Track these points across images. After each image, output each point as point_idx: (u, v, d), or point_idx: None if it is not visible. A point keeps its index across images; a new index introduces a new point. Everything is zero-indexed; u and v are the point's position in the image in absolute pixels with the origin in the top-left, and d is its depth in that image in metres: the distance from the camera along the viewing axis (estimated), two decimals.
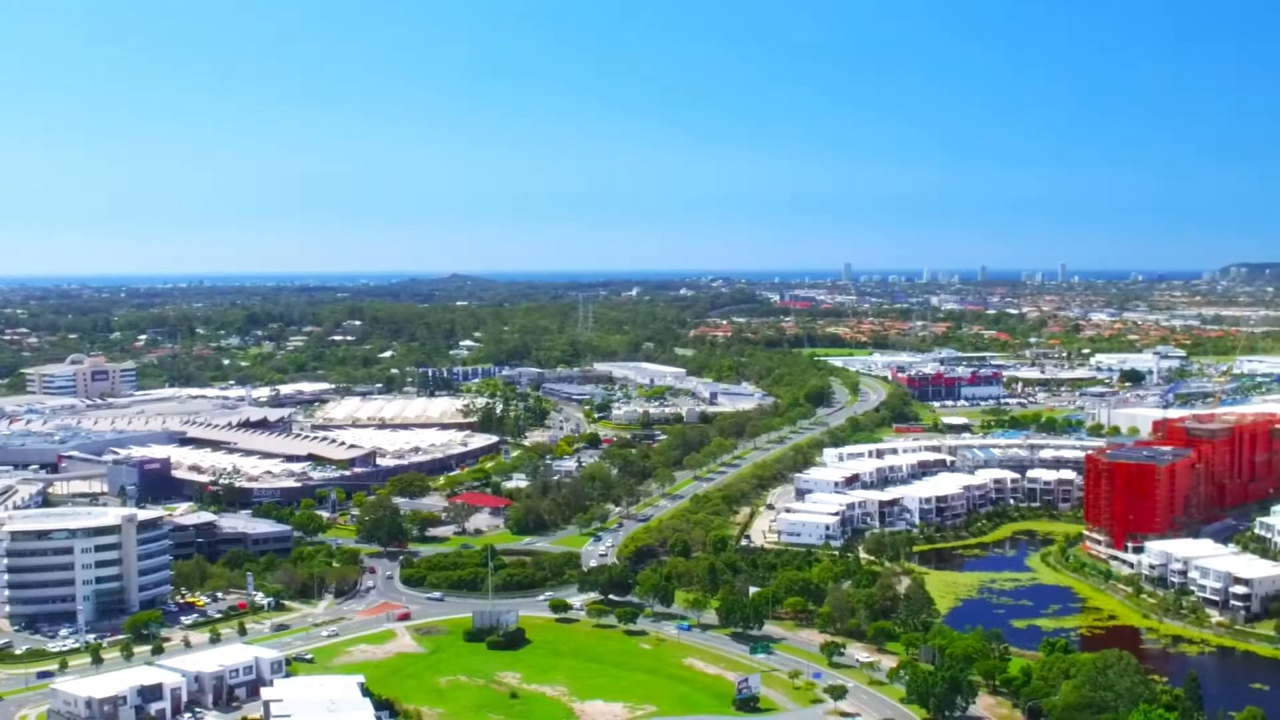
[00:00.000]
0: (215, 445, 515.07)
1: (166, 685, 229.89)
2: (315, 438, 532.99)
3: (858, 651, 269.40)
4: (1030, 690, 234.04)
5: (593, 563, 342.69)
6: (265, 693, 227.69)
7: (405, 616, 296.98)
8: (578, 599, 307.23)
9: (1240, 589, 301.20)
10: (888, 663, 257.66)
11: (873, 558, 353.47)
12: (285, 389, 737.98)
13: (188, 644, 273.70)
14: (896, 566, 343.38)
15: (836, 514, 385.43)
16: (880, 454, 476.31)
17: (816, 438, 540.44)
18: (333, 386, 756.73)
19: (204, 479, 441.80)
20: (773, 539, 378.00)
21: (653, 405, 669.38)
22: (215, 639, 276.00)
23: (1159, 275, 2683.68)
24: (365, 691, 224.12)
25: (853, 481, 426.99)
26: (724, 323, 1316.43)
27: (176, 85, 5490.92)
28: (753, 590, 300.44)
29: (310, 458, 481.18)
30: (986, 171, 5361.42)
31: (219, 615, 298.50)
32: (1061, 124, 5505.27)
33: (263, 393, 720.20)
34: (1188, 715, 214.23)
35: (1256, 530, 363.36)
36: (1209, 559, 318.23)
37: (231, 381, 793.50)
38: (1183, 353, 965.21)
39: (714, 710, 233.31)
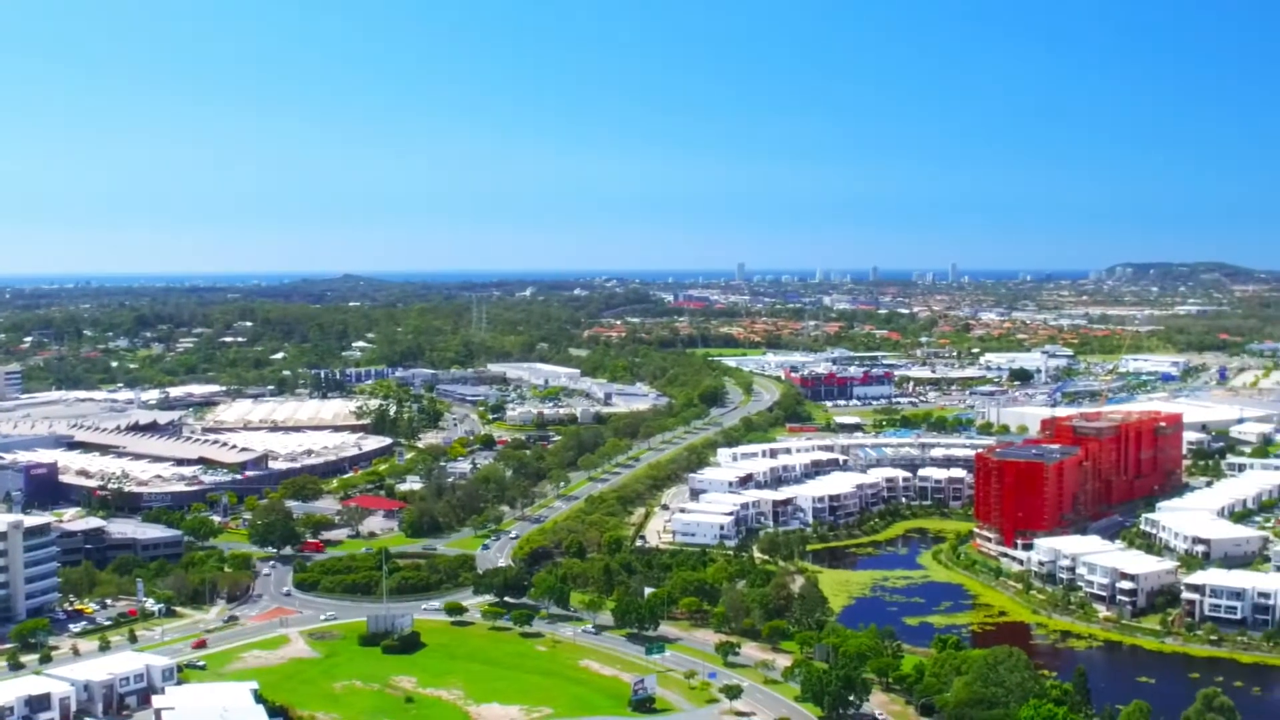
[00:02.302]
0: (104, 449, 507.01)
1: (55, 695, 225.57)
2: (206, 441, 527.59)
3: (753, 651, 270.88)
4: (923, 687, 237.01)
5: (488, 565, 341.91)
6: (157, 701, 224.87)
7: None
8: (473, 602, 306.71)
9: (1126, 584, 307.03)
10: (782, 662, 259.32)
11: (767, 557, 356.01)
12: (175, 391, 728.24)
13: (76, 652, 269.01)
14: (790, 566, 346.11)
15: (731, 514, 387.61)
16: (774, 454, 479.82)
17: (711, 438, 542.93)
18: (224, 389, 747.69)
19: (92, 483, 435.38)
20: (668, 539, 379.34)
21: (547, 406, 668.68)
22: (105, 647, 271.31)
23: (1047, 275, 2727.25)
24: (258, 698, 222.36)
25: (747, 481, 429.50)
26: (618, 323, 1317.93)
27: (54, 79, 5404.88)
28: (648, 591, 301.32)
29: (201, 461, 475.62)
30: (878, 172, 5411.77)
31: (109, 622, 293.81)
32: (951, 126, 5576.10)
33: (152, 395, 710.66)
34: (1076, 709, 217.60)
35: (1142, 526, 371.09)
36: (1096, 555, 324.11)
37: (120, 384, 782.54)
38: (1070, 352, 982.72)
39: (610, 711, 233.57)
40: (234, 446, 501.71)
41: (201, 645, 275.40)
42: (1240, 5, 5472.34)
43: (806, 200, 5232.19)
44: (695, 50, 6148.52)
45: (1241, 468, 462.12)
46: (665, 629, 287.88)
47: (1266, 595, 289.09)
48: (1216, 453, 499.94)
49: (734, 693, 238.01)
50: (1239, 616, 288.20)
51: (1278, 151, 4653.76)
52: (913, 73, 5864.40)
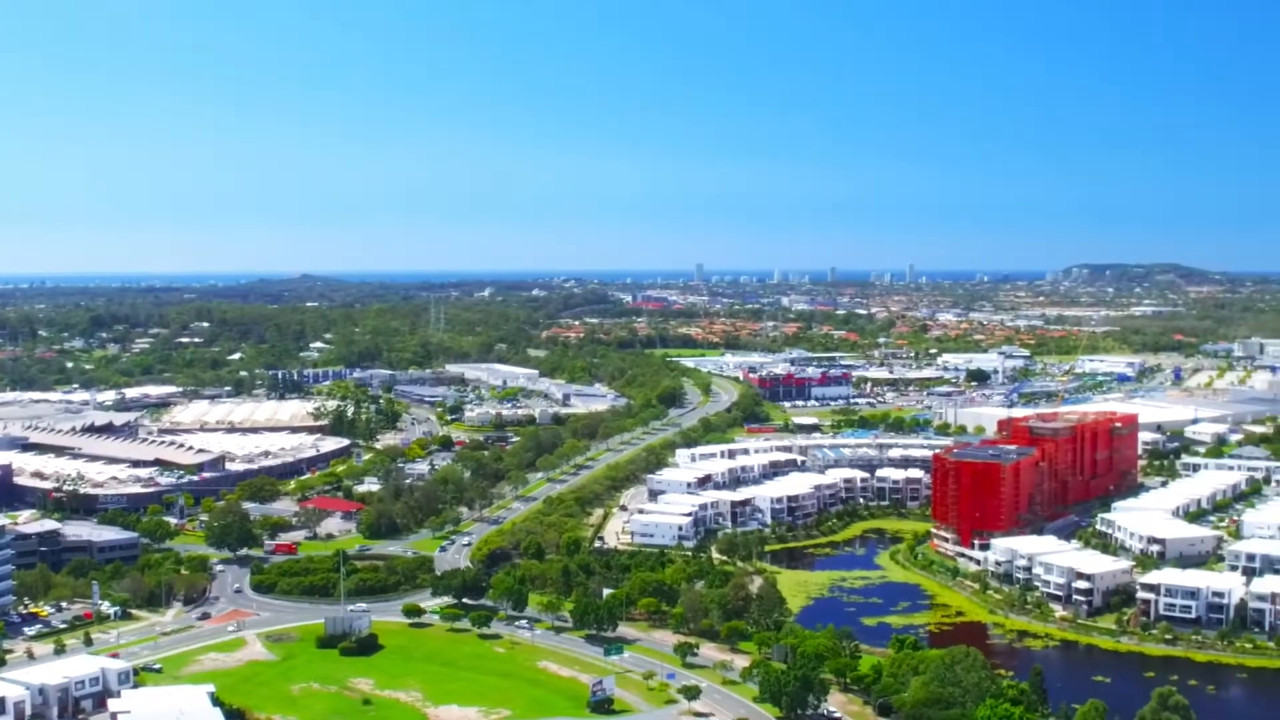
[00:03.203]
0: (59, 451, 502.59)
1: (9, 699, 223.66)
2: (162, 442, 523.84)
3: (711, 651, 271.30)
4: (881, 687, 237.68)
5: (446, 567, 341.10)
6: (113, 704, 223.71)
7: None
8: (431, 603, 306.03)
9: (1083, 584, 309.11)
10: (741, 662, 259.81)
11: (725, 558, 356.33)
12: (131, 392, 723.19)
13: (31, 655, 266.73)
14: (749, 566, 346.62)
15: (689, 515, 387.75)
16: (732, 454, 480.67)
17: (669, 438, 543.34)
18: (180, 390, 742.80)
19: (47, 485, 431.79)
20: (626, 540, 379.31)
21: (505, 407, 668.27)
22: (60, 650, 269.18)
23: (1004, 276, 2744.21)
24: (215, 701, 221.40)
25: (705, 482, 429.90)
26: (576, 323, 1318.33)
27: (5, 75, 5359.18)
28: (606, 592, 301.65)
29: (157, 463, 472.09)
30: (837, 172, 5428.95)
31: (64, 626, 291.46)
32: (909, 127, 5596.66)
33: (108, 396, 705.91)
34: (1033, 709, 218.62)
35: (1098, 526, 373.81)
36: (1053, 555, 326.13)
37: (75, 385, 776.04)
38: (1027, 352, 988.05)
39: (569, 713, 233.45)
40: (190, 448, 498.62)
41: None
42: (1195, 7, 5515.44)
43: (765, 201, 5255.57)
44: (653, 50, 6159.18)
45: (1196, 468, 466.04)
46: (624, 630, 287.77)
47: (1220, 594, 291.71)
48: (1171, 453, 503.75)
49: (692, 693, 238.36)
50: (1194, 615, 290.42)
51: (1232, 154, 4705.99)
52: (872, 74, 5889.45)
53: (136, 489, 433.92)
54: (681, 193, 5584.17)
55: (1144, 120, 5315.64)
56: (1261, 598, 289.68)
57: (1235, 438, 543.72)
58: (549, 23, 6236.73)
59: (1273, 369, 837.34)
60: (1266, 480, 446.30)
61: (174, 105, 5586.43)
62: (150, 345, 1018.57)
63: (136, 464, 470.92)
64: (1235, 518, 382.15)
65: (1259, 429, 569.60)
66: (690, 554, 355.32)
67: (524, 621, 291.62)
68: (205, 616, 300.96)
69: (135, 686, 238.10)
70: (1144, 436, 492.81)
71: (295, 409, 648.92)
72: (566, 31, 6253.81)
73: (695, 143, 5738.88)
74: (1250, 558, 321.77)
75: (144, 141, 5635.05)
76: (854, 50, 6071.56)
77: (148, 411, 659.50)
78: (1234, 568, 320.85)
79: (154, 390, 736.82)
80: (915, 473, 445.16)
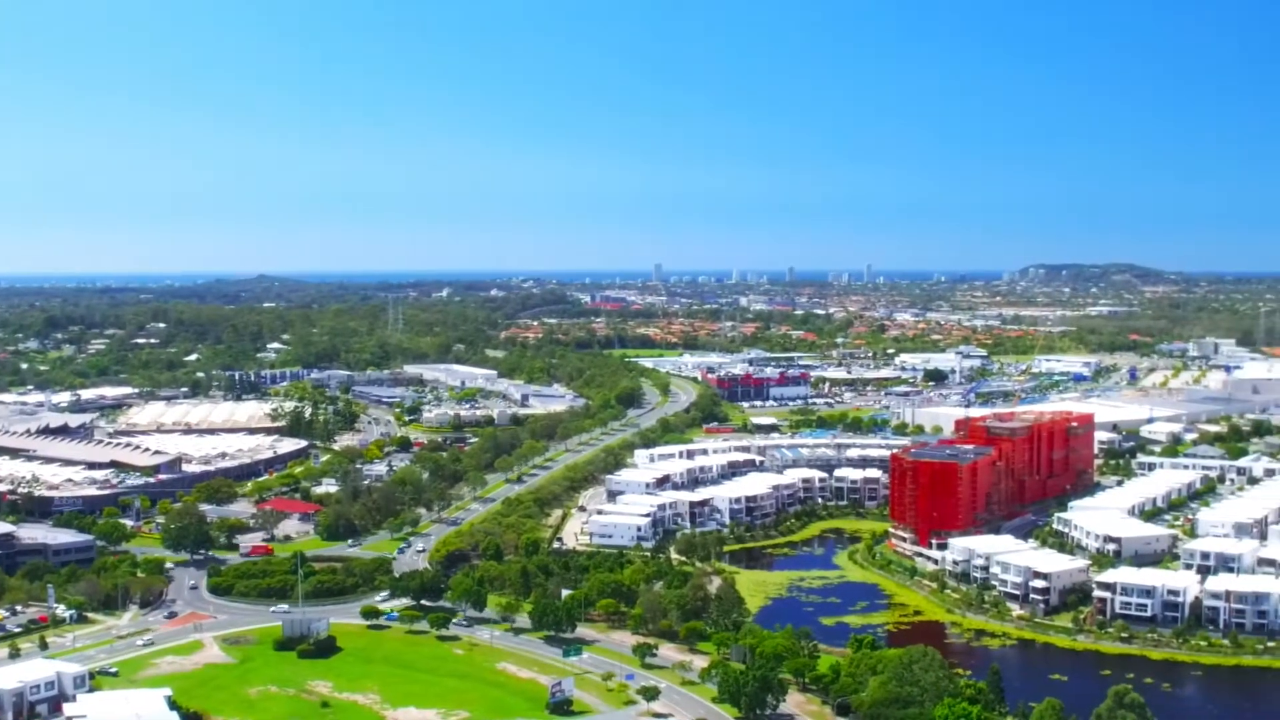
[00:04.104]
0: (13, 453, 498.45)
1: None
2: (118, 444, 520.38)
3: (670, 652, 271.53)
4: (839, 687, 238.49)
5: (405, 568, 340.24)
6: (68, 708, 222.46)
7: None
8: (390, 605, 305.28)
9: (1040, 583, 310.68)
10: (700, 663, 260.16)
11: (684, 558, 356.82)
12: (87, 394, 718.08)
13: None
14: (707, 567, 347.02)
15: (648, 515, 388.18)
16: (690, 455, 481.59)
17: (628, 439, 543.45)
18: (136, 391, 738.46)
19: (1, 488, 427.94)
20: (585, 541, 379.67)
21: (464, 408, 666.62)
22: (15, 654, 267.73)
23: (961, 276, 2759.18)
24: (173, 704, 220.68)
25: (663, 482, 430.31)
26: (535, 324, 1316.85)
27: None
28: (565, 593, 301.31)
29: (113, 465, 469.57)
30: (794, 173, 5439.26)
31: (18, 629, 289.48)
32: (866, 128, 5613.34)
33: (63, 398, 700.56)
34: (990, 708, 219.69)
35: (1055, 525, 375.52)
36: (1010, 554, 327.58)
37: (30, 386, 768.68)
38: (984, 352, 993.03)
39: (528, 714, 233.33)
40: (147, 450, 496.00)
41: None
42: (1155, 7, 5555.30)
43: (723, 201, 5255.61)
44: (611, 50, 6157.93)
45: (1151, 467, 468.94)
46: (583, 631, 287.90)
47: (1175, 593, 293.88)
48: (1127, 452, 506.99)
49: (651, 694, 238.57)
50: (1149, 614, 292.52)
51: (1187, 155, 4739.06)
52: (828, 75, 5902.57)
53: (92, 491, 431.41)
54: (640, 193, 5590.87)
55: (1101, 121, 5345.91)
56: (1216, 596, 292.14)
57: (1190, 437, 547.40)
58: (507, 22, 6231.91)
59: (1227, 369, 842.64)
60: (1221, 479, 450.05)
61: (129, 105, 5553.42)
62: (106, 346, 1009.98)
63: (92, 466, 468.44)
64: (1190, 516, 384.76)
65: (1213, 428, 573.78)
66: (649, 554, 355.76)
67: (461, 619, 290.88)
68: (173, 615, 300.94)
69: (91, 690, 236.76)
70: (1100, 436, 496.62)
71: (252, 410, 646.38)
72: (524, 31, 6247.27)
73: (654, 143, 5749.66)
74: (1205, 556, 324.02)
75: (99, 141, 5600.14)
76: (812, 52, 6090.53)
77: (103, 413, 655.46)
78: (1189, 566, 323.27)
79: (110, 391, 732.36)
80: (873, 473, 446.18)
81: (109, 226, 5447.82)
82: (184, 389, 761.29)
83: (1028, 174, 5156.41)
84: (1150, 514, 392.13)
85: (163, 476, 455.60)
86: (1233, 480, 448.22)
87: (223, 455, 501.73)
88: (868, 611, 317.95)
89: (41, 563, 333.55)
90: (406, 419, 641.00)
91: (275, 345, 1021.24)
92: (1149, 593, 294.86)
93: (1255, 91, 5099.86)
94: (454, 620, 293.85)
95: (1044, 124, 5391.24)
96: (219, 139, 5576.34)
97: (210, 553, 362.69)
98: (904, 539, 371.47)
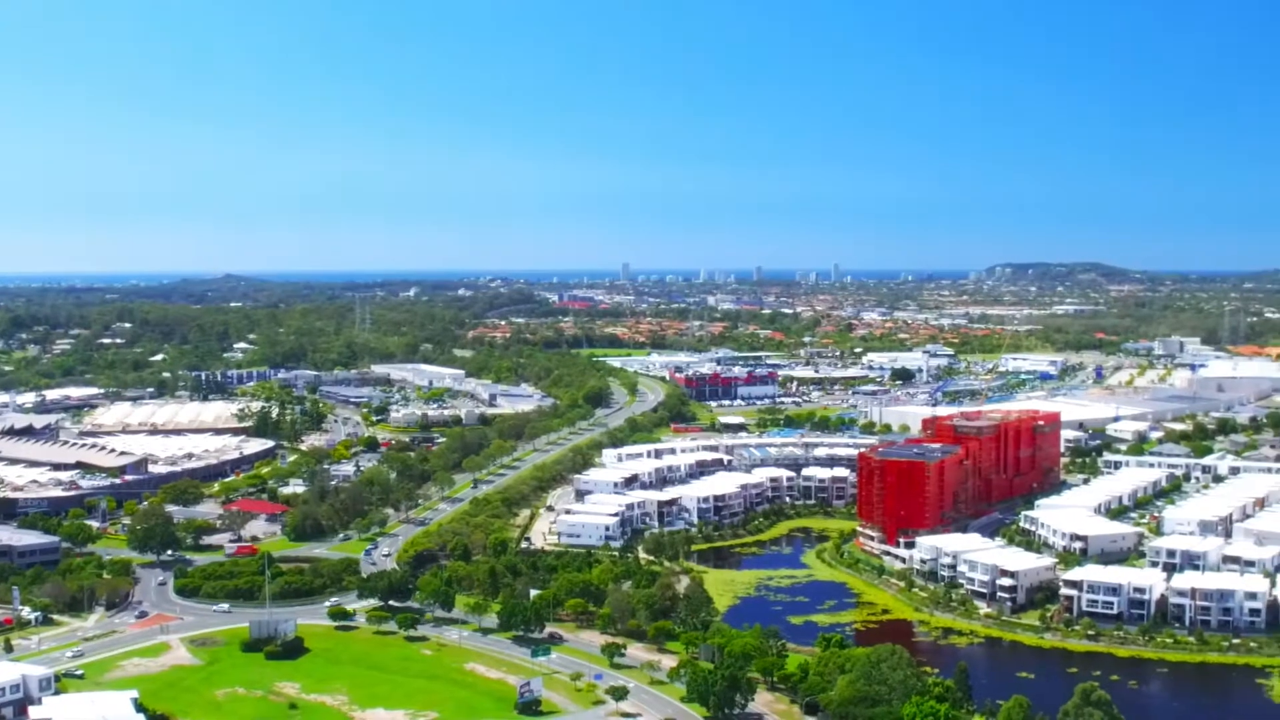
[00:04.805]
0: None
1: None
2: (84, 445, 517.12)
3: (639, 652, 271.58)
4: (807, 686, 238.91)
5: (372, 569, 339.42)
6: (34, 712, 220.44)
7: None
8: (357, 606, 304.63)
9: (1007, 581, 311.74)
10: (668, 662, 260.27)
11: (652, 558, 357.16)
12: (52, 394, 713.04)
13: None
14: (676, 566, 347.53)
15: (616, 515, 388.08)
16: (659, 454, 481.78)
17: (595, 439, 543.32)
18: (102, 391, 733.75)
19: None
20: (553, 541, 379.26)
21: (431, 407, 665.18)
22: None
23: (928, 275, 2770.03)
24: (139, 707, 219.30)
25: (632, 482, 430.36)
26: (503, 323, 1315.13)
27: None
28: (534, 593, 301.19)
29: (79, 466, 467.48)
30: (760, 173, 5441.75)
31: None
32: (834, 127, 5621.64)
33: (28, 398, 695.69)
34: (958, 706, 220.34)
35: (1022, 524, 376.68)
36: (977, 553, 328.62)
37: None
38: (951, 351, 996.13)
39: (496, 715, 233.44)
40: (113, 450, 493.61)
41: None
42: (1118, 6, 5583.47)
43: (691, 200, 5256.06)
44: (577, 48, 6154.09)
45: (1117, 465, 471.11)
46: (551, 631, 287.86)
47: (1141, 590, 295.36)
48: (1093, 450, 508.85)
49: (620, 694, 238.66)
50: (1115, 611, 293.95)
51: (1152, 155, 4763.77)
52: (796, 75, 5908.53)
53: (57, 492, 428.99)
54: (608, 192, 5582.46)
55: (1068, 121, 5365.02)
56: (1181, 593, 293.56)
57: (1156, 435, 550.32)
58: (471, 20, 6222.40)
59: (1192, 367, 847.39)
60: (1186, 477, 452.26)
61: (92, 103, 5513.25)
62: (71, 346, 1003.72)
63: (57, 467, 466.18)
64: (1156, 514, 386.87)
65: (1179, 426, 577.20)
66: (617, 554, 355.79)
67: (430, 621, 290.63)
68: (143, 615, 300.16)
69: (57, 693, 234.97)
70: (1066, 434, 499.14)
71: (219, 410, 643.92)
72: (489, 30, 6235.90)
73: (622, 143, 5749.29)
74: (1171, 554, 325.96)
75: (61, 139, 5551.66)
76: (777, 52, 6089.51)
77: (69, 414, 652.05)
78: (1155, 564, 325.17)
79: (75, 392, 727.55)
80: (841, 471, 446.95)
81: (74, 226, 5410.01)
82: (150, 389, 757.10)
83: (995, 173, 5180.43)
84: (1116, 512, 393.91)
85: (129, 477, 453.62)
86: (1198, 478, 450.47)
87: (189, 456, 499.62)
88: (836, 610, 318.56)
89: (6, 564, 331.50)
90: (374, 419, 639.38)
91: (242, 345, 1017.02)
92: (1115, 590, 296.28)
93: (1221, 92, 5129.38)
94: (422, 621, 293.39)
95: (1011, 124, 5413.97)
96: (184, 138, 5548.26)
97: (180, 553, 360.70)
98: (872, 538, 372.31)
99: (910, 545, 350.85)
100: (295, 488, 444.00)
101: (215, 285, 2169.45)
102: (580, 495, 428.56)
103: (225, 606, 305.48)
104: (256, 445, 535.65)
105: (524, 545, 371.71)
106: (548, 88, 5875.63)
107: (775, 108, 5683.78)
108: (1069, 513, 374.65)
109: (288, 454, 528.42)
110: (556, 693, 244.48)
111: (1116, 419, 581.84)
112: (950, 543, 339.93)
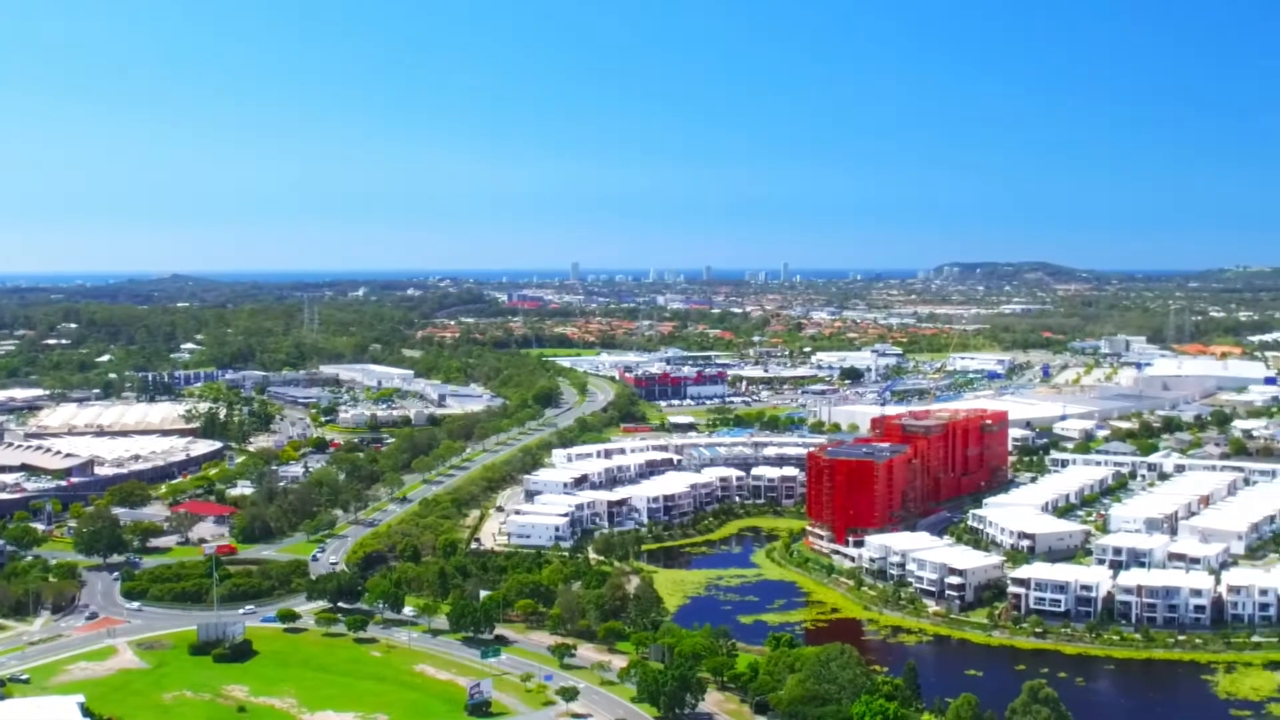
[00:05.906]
0: None
1: None
2: (29, 447, 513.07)
3: (589, 652, 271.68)
4: (757, 685, 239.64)
5: (321, 570, 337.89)
6: None
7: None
8: (306, 608, 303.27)
9: (955, 579, 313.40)
10: (619, 663, 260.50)
11: (602, 558, 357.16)
12: None
13: None
14: (626, 566, 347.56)
15: (566, 515, 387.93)
16: (609, 454, 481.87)
17: (545, 439, 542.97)
18: (47, 393, 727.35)
19: None
20: (503, 541, 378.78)
21: (380, 408, 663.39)
22: None
23: (877, 274, 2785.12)
24: (85, 711, 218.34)
25: (581, 482, 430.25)
26: (452, 323, 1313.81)
27: None
28: (483, 594, 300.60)
29: (24, 468, 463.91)
30: (710, 172, 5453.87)
31: None
32: (782, 127, 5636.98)
33: None
34: (907, 704, 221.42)
35: (970, 522, 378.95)
36: (925, 551, 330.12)
37: None
38: (899, 350, 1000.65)
39: (446, 716, 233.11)
40: (58, 452, 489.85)
41: None
42: (1069, 6, 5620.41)
43: (641, 200, 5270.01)
44: (526, 46, 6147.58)
45: (1064, 463, 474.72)
46: (501, 632, 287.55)
47: (1088, 588, 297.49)
48: (1041, 449, 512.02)
49: (570, 695, 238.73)
50: (1063, 609, 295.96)
51: (1099, 155, 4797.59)
52: (744, 74, 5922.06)
53: (2, 495, 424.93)
54: (558, 192, 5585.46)
55: (1015, 121, 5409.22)
56: (1127, 590, 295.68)
57: (1102, 433, 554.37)
58: (422, 19, 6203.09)
59: (1138, 366, 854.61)
60: (1132, 475, 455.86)
61: (33, 99, 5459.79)
62: (16, 347, 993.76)
63: (2, 469, 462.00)
64: (1102, 512, 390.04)
65: (1125, 424, 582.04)
66: (567, 554, 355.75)
67: (379, 622, 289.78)
68: (94, 617, 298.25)
69: (2, 698, 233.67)
70: (1014, 433, 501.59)
71: (166, 411, 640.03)
72: (437, 27, 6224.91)
73: (571, 142, 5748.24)
74: (1117, 551, 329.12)
75: (2, 138, 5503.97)
76: (725, 49, 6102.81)
77: (13, 415, 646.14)
78: (1101, 561, 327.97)
79: (20, 393, 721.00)
80: (790, 471, 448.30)
81: (16, 226, 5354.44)
82: (96, 390, 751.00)
83: (943, 173, 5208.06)
84: (1063, 510, 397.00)
85: (75, 479, 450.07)
86: (1144, 476, 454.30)
87: (136, 458, 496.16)
88: (785, 609, 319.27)
89: None
90: (323, 420, 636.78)
91: (189, 346, 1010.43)
92: (1062, 588, 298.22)
93: (1168, 92, 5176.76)
94: (371, 622, 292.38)
95: (960, 124, 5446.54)
96: (129, 137, 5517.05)
97: (131, 556, 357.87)
98: (821, 537, 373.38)
99: (859, 544, 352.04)
100: (243, 489, 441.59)
101: (162, 285, 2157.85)
102: (530, 496, 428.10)
103: (137, 605, 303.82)
104: (204, 446, 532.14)
105: (474, 546, 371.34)
106: (497, 87, 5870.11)
107: (725, 107, 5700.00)
108: (1017, 511, 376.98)
109: (236, 455, 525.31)
110: (507, 694, 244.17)
111: (1063, 418, 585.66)
112: (899, 541, 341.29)
